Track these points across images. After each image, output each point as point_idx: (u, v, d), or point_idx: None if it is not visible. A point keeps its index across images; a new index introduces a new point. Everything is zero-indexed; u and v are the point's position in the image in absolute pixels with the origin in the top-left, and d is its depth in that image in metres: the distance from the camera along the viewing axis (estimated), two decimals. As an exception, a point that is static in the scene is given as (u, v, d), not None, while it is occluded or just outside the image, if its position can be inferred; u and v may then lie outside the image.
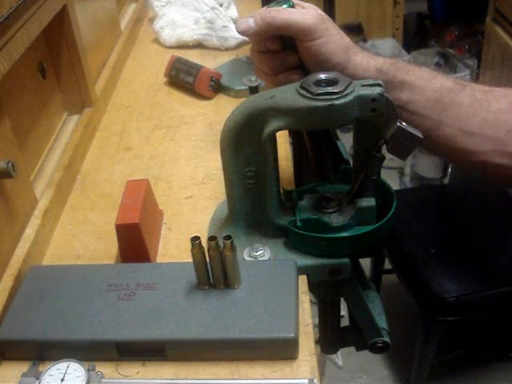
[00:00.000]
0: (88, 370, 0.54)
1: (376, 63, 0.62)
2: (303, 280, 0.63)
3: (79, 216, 0.78)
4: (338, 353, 1.67)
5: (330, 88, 0.57)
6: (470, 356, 1.71)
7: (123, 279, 0.61)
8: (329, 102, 0.56)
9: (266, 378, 0.54)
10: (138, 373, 0.56)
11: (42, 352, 0.57)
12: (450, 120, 0.62)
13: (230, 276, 0.59)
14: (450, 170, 1.99)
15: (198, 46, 1.25)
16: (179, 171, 0.86)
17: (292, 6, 0.64)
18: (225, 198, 0.69)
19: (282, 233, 0.66)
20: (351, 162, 0.66)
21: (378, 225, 0.63)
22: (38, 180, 0.81)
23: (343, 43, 0.62)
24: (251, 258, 0.65)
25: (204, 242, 0.58)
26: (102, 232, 0.75)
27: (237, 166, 0.64)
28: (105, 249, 0.72)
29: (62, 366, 0.55)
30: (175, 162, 0.88)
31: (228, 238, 0.57)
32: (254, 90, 0.93)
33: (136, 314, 0.58)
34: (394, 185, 2.38)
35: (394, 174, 2.43)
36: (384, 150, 0.61)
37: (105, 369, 0.56)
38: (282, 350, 0.56)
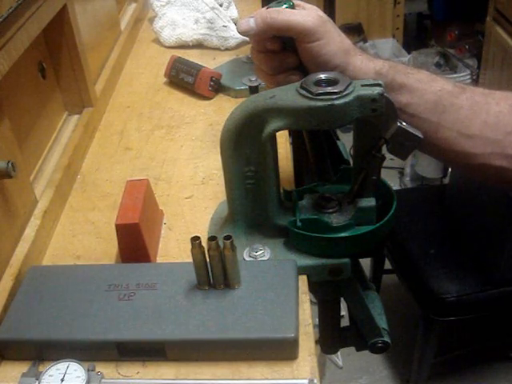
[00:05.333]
0: (88, 370, 0.54)
1: (375, 66, 0.62)
2: (303, 280, 0.63)
3: (79, 216, 0.78)
4: (338, 353, 1.67)
5: (330, 88, 0.57)
6: (470, 356, 1.71)
7: (123, 279, 0.61)
8: (329, 102, 0.56)
9: (266, 378, 0.54)
10: (138, 373, 0.56)
11: (42, 352, 0.57)
12: (449, 123, 0.61)
13: (230, 276, 0.59)
14: (450, 169, 1.99)
15: (198, 46, 1.25)
16: (179, 171, 0.86)
17: (292, 6, 0.64)
18: (225, 198, 0.69)
19: (282, 233, 0.66)
20: (351, 161, 0.66)
21: (378, 225, 0.63)
22: (37, 180, 0.81)
23: (343, 45, 0.62)
24: (251, 258, 0.65)
25: (204, 241, 0.58)
26: (101, 232, 0.75)
27: (237, 166, 0.64)
28: (105, 249, 0.72)
29: (62, 366, 0.55)
30: (175, 162, 0.88)
31: (228, 237, 0.57)
32: (254, 89, 0.93)
33: (136, 314, 0.58)
34: (394, 185, 2.38)
35: (394, 174, 2.43)
36: (384, 149, 0.61)
37: (105, 369, 0.56)
38: (281, 350, 0.56)
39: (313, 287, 0.65)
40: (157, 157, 0.90)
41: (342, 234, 0.63)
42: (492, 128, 0.61)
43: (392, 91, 0.61)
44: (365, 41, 2.80)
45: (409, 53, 2.76)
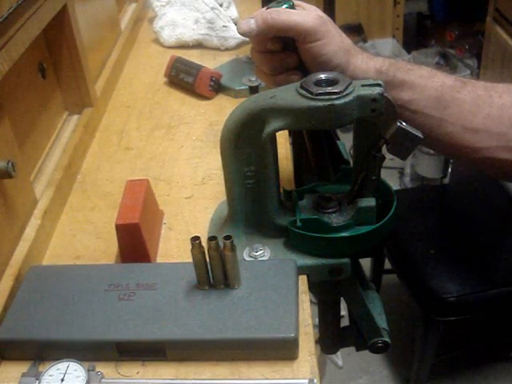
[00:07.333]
0: (88, 370, 0.54)
1: (376, 64, 0.63)
2: (303, 280, 0.63)
3: (79, 216, 0.78)
4: (338, 353, 1.67)
5: (330, 88, 0.57)
6: (470, 356, 1.71)
7: (123, 279, 0.61)
8: (329, 102, 0.56)
9: (266, 378, 0.54)
10: (137, 373, 0.56)
11: (42, 352, 0.57)
12: (452, 117, 0.62)
13: (229, 276, 0.59)
14: (450, 170, 1.99)
15: (198, 46, 1.25)
16: (179, 171, 0.86)
17: (292, 6, 0.64)
18: (225, 198, 0.69)
19: (281, 233, 0.66)
20: (351, 161, 0.66)
21: (378, 225, 0.63)
22: (38, 180, 0.81)
23: (343, 45, 0.62)
24: (251, 258, 0.65)
25: (204, 241, 0.58)
26: (101, 232, 0.75)
27: (237, 166, 0.64)
28: (105, 249, 0.72)
29: (62, 365, 0.55)
30: (175, 162, 0.88)
31: (228, 237, 0.57)
32: (254, 89, 0.93)
33: (136, 314, 0.58)
34: (394, 185, 2.38)
35: (394, 174, 2.44)
36: (384, 149, 0.61)
37: (105, 369, 0.56)
38: (282, 350, 0.56)
39: (313, 287, 0.65)
40: (157, 157, 0.90)
41: (342, 234, 0.63)
42: (496, 121, 0.61)
43: (393, 88, 0.61)
44: (365, 41, 2.81)
45: (409, 53, 2.76)
